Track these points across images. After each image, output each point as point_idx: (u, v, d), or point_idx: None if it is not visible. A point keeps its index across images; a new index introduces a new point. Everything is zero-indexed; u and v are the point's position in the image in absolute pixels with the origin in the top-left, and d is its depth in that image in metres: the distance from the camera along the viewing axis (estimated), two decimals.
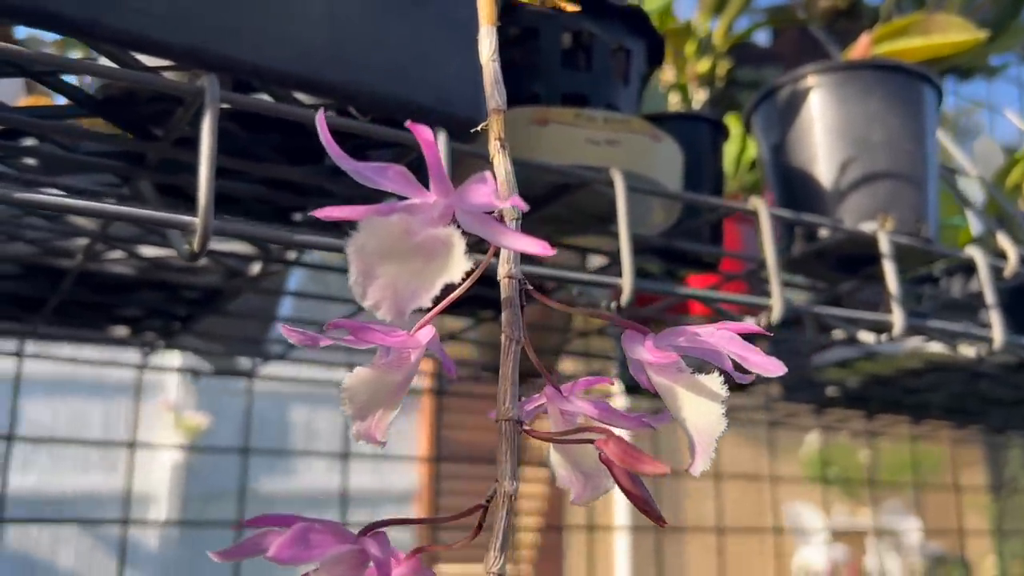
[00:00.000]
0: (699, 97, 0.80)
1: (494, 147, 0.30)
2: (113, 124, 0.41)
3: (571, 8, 0.36)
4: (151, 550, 4.60)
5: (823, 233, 0.60)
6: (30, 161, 0.47)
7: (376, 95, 0.41)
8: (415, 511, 3.30)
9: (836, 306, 0.73)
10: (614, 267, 0.59)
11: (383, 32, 0.41)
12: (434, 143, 0.24)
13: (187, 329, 0.76)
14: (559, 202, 0.51)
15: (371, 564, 0.24)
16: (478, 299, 0.67)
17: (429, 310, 0.26)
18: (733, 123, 0.84)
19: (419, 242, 0.25)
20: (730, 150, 0.81)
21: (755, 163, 0.82)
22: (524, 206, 0.24)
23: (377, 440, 0.29)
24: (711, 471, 1.21)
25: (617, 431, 0.31)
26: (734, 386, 0.86)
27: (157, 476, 4.68)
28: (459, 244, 0.24)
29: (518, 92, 0.51)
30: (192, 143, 0.38)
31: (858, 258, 0.63)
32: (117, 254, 0.59)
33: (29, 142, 0.46)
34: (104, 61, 0.37)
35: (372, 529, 0.25)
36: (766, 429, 1.25)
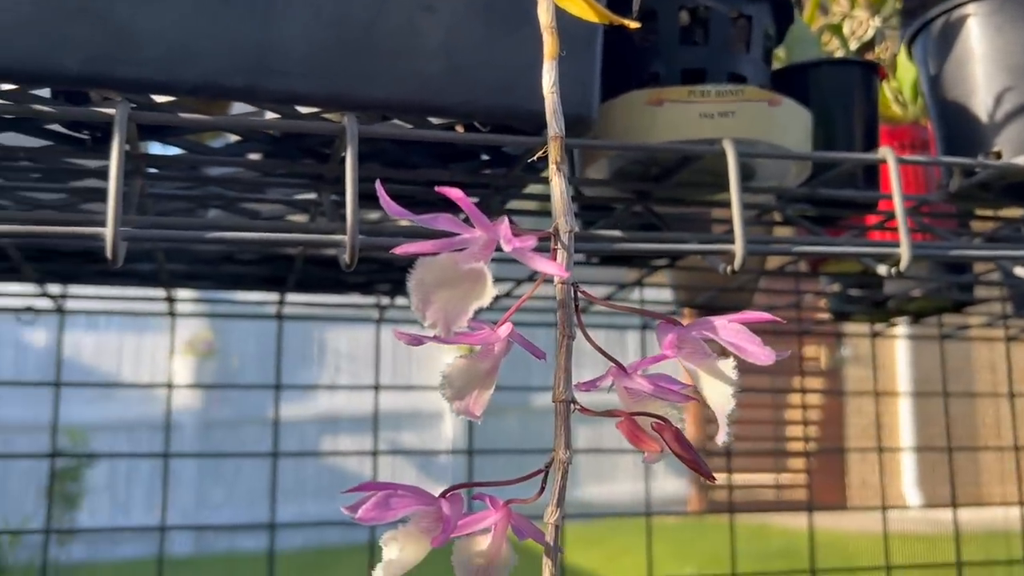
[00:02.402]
0: (874, 24, 0.78)
1: (552, 171, 0.36)
2: (289, 154, 0.51)
3: (634, 26, 0.41)
4: (445, 462, 5.05)
5: (977, 168, 0.60)
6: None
7: (491, 109, 0.47)
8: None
9: (1018, 233, 0.71)
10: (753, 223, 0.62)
11: (491, 53, 0.47)
12: (465, 198, 0.31)
13: (405, 291, 0.88)
14: (689, 169, 0.56)
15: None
16: (647, 255, 0.72)
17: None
18: None
19: (464, 272, 0.31)
20: (907, 77, 0.79)
21: None
22: (532, 244, 0.30)
23: (475, 415, 0.36)
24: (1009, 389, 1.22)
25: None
26: (955, 307, 0.86)
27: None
28: (489, 276, 0.31)
29: (639, 73, 0.55)
30: (361, 158, 0.46)
31: None
32: None
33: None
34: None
35: (452, 490, 0.33)
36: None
